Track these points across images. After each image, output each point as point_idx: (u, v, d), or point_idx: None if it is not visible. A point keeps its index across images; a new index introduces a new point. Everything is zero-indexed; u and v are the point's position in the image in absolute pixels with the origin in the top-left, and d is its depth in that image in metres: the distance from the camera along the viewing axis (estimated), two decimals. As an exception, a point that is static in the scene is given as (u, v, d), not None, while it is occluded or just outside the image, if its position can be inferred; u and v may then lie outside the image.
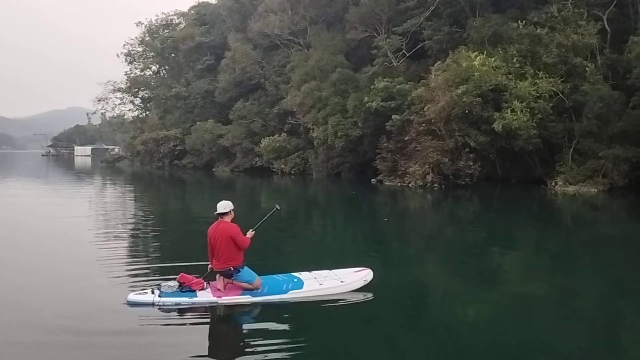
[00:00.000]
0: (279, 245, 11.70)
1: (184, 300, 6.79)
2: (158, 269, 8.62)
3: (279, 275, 7.55)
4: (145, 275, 8.31)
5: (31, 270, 8.81)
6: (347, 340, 5.88)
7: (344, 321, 6.57)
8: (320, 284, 7.40)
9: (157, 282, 7.30)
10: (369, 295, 7.43)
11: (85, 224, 14.20)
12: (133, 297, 6.83)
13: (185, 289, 6.84)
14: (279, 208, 7.91)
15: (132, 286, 7.52)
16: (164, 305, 6.71)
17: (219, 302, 6.84)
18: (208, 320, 6.66)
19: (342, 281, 7.52)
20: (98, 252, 9.97)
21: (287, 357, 5.47)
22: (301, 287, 7.30)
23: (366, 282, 7.59)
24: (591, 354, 5.73)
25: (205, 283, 7.07)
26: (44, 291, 7.50)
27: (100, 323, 6.30)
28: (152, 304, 6.70)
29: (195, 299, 6.84)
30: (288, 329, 6.34)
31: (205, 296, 6.90)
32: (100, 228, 13.68)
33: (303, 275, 7.63)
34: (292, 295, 7.18)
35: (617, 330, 6.46)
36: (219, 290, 6.99)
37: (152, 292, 6.82)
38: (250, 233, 7.19)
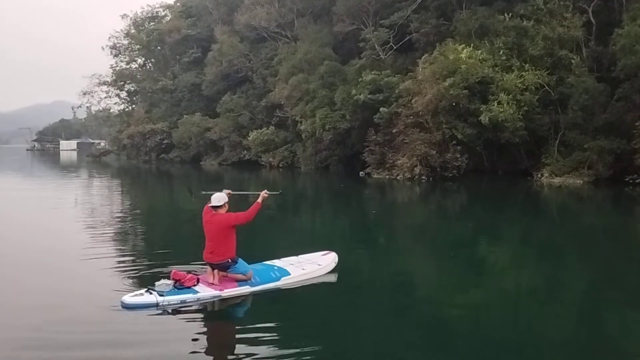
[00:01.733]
0: (265, 235, 11.69)
1: (189, 297, 6.53)
2: (145, 267, 8.33)
3: (256, 264, 7.56)
4: (133, 273, 8.01)
5: (17, 271, 8.50)
6: (338, 322, 5.94)
7: (334, 304, 6.63)
8: (303, 269, 7.72)
9: (144, 280, 7.25)
10: (355, 282, 7.54)
11: (69, 219, 14.01)
12: (130, 299, 6.34)
13: (180, 286, 6.57)
14: (282, 193, 8.16)
15: (121, 287, 7.13)
16: (169, 304, 6.35)
17: (222, 295, 6.75)
18: (212, 314, 6.52)
19: (319, 264, 7.96)
20: (82, 250, 9.65)
21: (296, 338, 5.69)
22: (289, 274, 7.51)
23: (336, 264, 8.14)
24: (577, 343, 5.80)
25: (196, 279, 6.90)
26: (28, 292, 7.17)
27: (99, 328, 5.87)
28: (156, 305, 6.30)
29: (198, 295, 6.61)
30: (287, 312, 6.67)
31: (206, 291, 6.71)
32: (84, 224, 13.39)
33: (280, 263, 7.85)
34: (284, 281, 7.39)
35: (603, 320, 6.56)
36: (213, 284, 6.87)
37: (150, 293, 6.40)
38: (262, 195, 7.25)
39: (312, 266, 7.87)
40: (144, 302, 6.31)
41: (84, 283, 7.66)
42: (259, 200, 7.20)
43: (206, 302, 6.62)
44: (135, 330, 5.83)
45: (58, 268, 8.52)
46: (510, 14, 27.27)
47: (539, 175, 25.26)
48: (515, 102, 24.79)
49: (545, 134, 26.09)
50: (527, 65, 25.63)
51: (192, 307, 6.47)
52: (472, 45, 27.10)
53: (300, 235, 12.59)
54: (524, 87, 25.18)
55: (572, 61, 24.98)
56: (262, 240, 11.07)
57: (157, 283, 6.56)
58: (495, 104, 24.82)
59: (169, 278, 6.66)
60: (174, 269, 7.08)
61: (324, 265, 7.99)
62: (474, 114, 25.73)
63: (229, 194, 7.32)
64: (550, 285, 8.00)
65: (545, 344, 5.58)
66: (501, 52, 26.77)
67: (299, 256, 8.17)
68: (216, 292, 6.75)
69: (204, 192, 7.94)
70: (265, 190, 7.40)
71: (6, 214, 15.51)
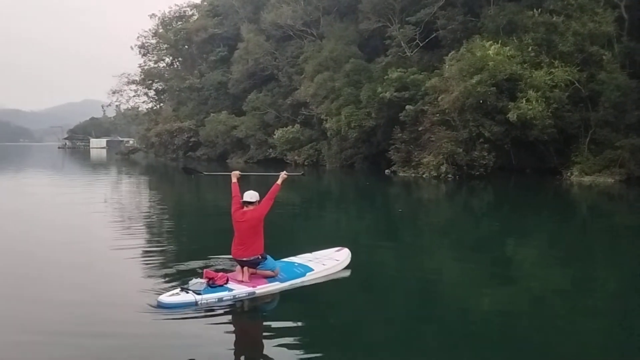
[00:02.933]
0: (287, 232, 11.76)
1: (225, 294, 6.52)
2: (171, 265, 8.37)
3: (276, 262, 7.54)
4: (160, 271, 8.01)
5: (49, 270, 8.53)
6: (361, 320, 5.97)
7: (359, 302, 6.66)
8: (324, 265, 7.80)
9: (172, 278, 7.35)
10: (380, 281, 7.54)
11: (100, 218, 14.16)
12: (169, 299, 6.28)
13: (213, 284, 6.56)
14: (304, 174, 8.14)
15: (150, 286, 7.11)
16: (207, 303, 6.33)
17: (256, 292, 6.78)
18: (245, 311, 6.54)
19: (336, 260, 8.05)
20: (110, 249, 9.80)
21: (326, 335, 5.87)
22: (312, 269, 7.59)
23: (350, 260, 8.21)
24: (605, 348, 5.68)
25: (226, 277, 6.89)
26: (61, 292, 7.17)
27: (137, 329, 5.84)
28: (195, 304, 6.27)
29: (234, 292, 6.60)
30: (315, 309, 6.80)
31: (240, 288, 6.71)
32: (113, 222, 13.56)
33: (298, 260, 7.91)
34: (309, 277, 7.45)
35: (633, 324, 6.41)
36: (243, 281, 6.88)
37: (186, 292, 6.37)
38: (282, 176, 7.26)
39: (330, 262, 7.96)
40: (183, 302, 6.28)
41: (115, 282, 7.74)
42: (279, 181, 7.19)
43: (241, 300, 6.64)
44: (176, 330, 5.82)
45: (87, 266, 8.60)
46: (540, 10, 26.77)
47: (569, 174, 24.81)
48: (544, 99, 24.39)
49: (575, 132, 25.62)
50: (557, 62, 25.17)
51: (227, 305, 6.49)
52: (500, 41, 26.76)
53: (326, 233, 12.59)
54: (554, 84, 24.74)
55: (604, 57, 24.45)
56: (285, 237, 11.15)
57: (190, 282, 6.53)
58: (524, 101, 24.45)
59: (200, 277, 6.67)
60: (204, 267, 7.14)
61: (342, 261, 8.09)
62: (502, 112, 25.40)
63: (238, 175, 7.36)
64: (579, 288, 7.87)
65: (573, 348, 5.51)
66: (530, 49, 26.34)
67: (313, 253, 8.22)
68: (250, 289, 6.75)
69: (206, 173, 7.93)
70: (285, 172, 7.38)
71: (39, 211, 15.92)
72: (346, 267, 8.08)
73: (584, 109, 25.33)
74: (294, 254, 8.18)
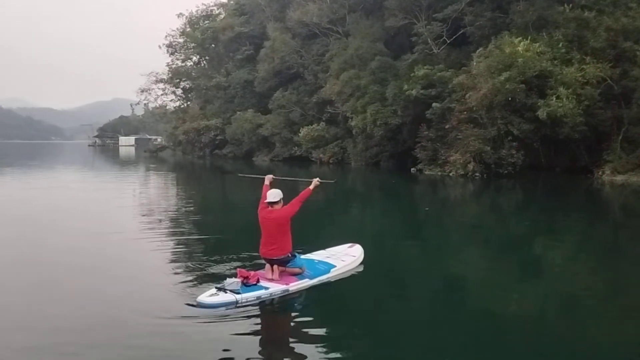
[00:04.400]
0: (310, 229, 11.74)
1: (262, 293, 6.55)
2: (204, 263, 8.39)
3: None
4: (192, 269, 8.03)
5: (82, 267, 8.52)
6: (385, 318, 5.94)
7: (384, 300, 6.62)
8: (343, 261, 7.90)
9: (200, 276, 7.41)
10: (406, 279, 7.48)
11: (130, 216, 14.42)
12: (210, 299, 6.28)
13: (247, 283, 6.58)
14: (336, 182, 8.39)
15: (184, 285, 7.12)
16: (246, 302, 6.36)
17: (290, 289, 6.84)
18: (279, 308, 6.58)
19: (353, 256, 8.16)
20: (143, 250, 9.78)
21: (354, 330, 5.91)
22: (334, 266, 7.69)
23: (363, 255, 8.34)
24: (637, 351, 5.51)
25: (257, 276, 6.91)
26: (100, 291, 7.07)
27: (174, 328, 5.77)
28: (236, 303, 6.29)
29: (270, 290, 6.64)
30: (342, 305, 6.86)
31: (274, 286, 6.75)
32: (144, 221, 13.62)
33: (315, 257, 7.98)
34: (333, 273, 7.55)
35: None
36: (273, 279, 6.92)
37: (225, 292, 6.36)
38: (314, 183, 7.36)
39: (348, 258, 8.07)
40: (224, 302, 6.28)
41: (146, 280, 7.72)
42: (311, 187, 7.28)
43: (276, 297, 6.67)
44: (214, 329, 5.79)
45: (117, 265, 8.71)
46: (571, 5, 26.26)
47: (600, 173, 24.25)
48: (575, 97, 23.87)
49: (607, 130, 25.01)
50: (588, 58, 24.62)
51: (261, 303, 6.52)
52: (529, 37, 26.29)
53: (351, 231, 12.51)
54: (585, 80, 24.20)
55: (638, 53, 23.78)
56: (310, 233, 11.11)
57: (226, 282, 6.53)
58: (554, 99, 23.97)
59: (233, 276, 6.70)
60: (238, 267, 7.11)
61: (357, 257, 8.20)
62: (531, 109, 24.95)
63: (271, 179, 7.44)
64: (611, 289, 7.67)
65: (602, 352, 5.37)
66: (560, 45, 25.83)
67: (327, 250, 8.31)
68: (284, 287, 6.81)
69: (240, 175, 8.04)
70: (318, 179, 7.45)
71: (72, 207, 16.27)
72: (361, 263, 8.18)
73: (617, 106, 24.72)
74: (310, 251, 8.21)
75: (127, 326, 5.79)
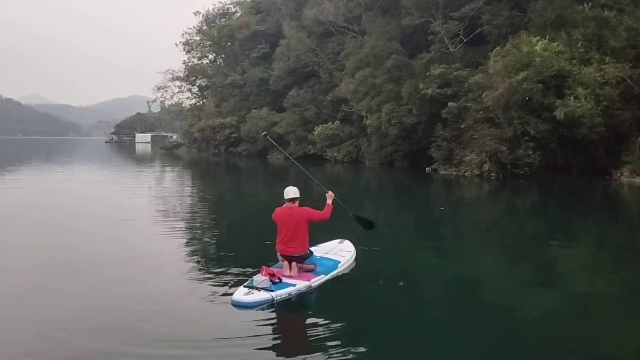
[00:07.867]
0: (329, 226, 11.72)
1: (291, 289, 6.62)
2: (216, 261, 8.44)
3: None
4: (224, 270, 7.89)
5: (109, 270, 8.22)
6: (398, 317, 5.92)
7: (401, 300, 6.60)
8: (343, 256, 8.14)
9: (219, 275, 7.45)
10: (421, 279, 7.49)
11: (147, 212, 14.60)
12: (245, 297, 6.29)
13: (275, 280, 6.63)
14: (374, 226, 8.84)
15: (222, 284, 7.11)
16: (280, 299, 6.42)
17: (312, 285, 6.92)
18: (305, 304, 6.66)
19: (348, 251, 8.41)
20: (162, 246, 9.83)
21: (368, 328, 5.91)
22: (339, 261, 7.89)
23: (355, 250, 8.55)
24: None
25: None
26: (127, 292, 6.95)
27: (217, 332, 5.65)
28: (272, 300, 6.32)
29: (297, 287, 6.71)
30: (354, 302, 6.86)
31: (299, 282, 6.82)
32: (158, 216, 13.88)
33: (315, 253, 7.97)
34: (340, 269, 7.74)
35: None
36: (292, 276, 6.95)
37: (258, 290, 6.40)
38: (329, 196, 7.48)
39: (345, 253, 8.30)
40: (260, 300, 6.30)
41: (169, 280, 7.62)
42: (329, 201, 7.40)
43: (302, 294, 6.73)
44: (252, 327, 5.75)
45: (136, 262, 8.72)
46: (590, 4, 25.90)
47: (619, 174, 23.89)
48: (593, 97, 23.54)
49: (626, 131, 24.64)
50: (608, 58, 24.27)
51: (288, 300, 6.55)
52: (547, 37, 26.01)
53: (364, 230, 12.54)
54: (604, 80, 23.85)
55: (659, 53, 23.42)
56: (325, 231, 11.10)
57: (255, 280, 6.53)
58: (572, 99, 23.68)
59: (257, 273, 6.72)
60: (262, 265, 7.17)
61: (352, 252, 8.39)
62: (549, 109, 24.66)
63: (333, 198, 7.50)
64: (628, 295, 7.51)
65: (620, 354, 5.30)
66: (579, 44, 25.49)
67: (319, 246, 8.40)
68: (308, 283, 6.89)
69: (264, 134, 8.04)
70: (331, 194, 7.54)
71: (88, 203, 16.48)
72: (355, 259, 8.35)
73: (636, 107, 24.34)
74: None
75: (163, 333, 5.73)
